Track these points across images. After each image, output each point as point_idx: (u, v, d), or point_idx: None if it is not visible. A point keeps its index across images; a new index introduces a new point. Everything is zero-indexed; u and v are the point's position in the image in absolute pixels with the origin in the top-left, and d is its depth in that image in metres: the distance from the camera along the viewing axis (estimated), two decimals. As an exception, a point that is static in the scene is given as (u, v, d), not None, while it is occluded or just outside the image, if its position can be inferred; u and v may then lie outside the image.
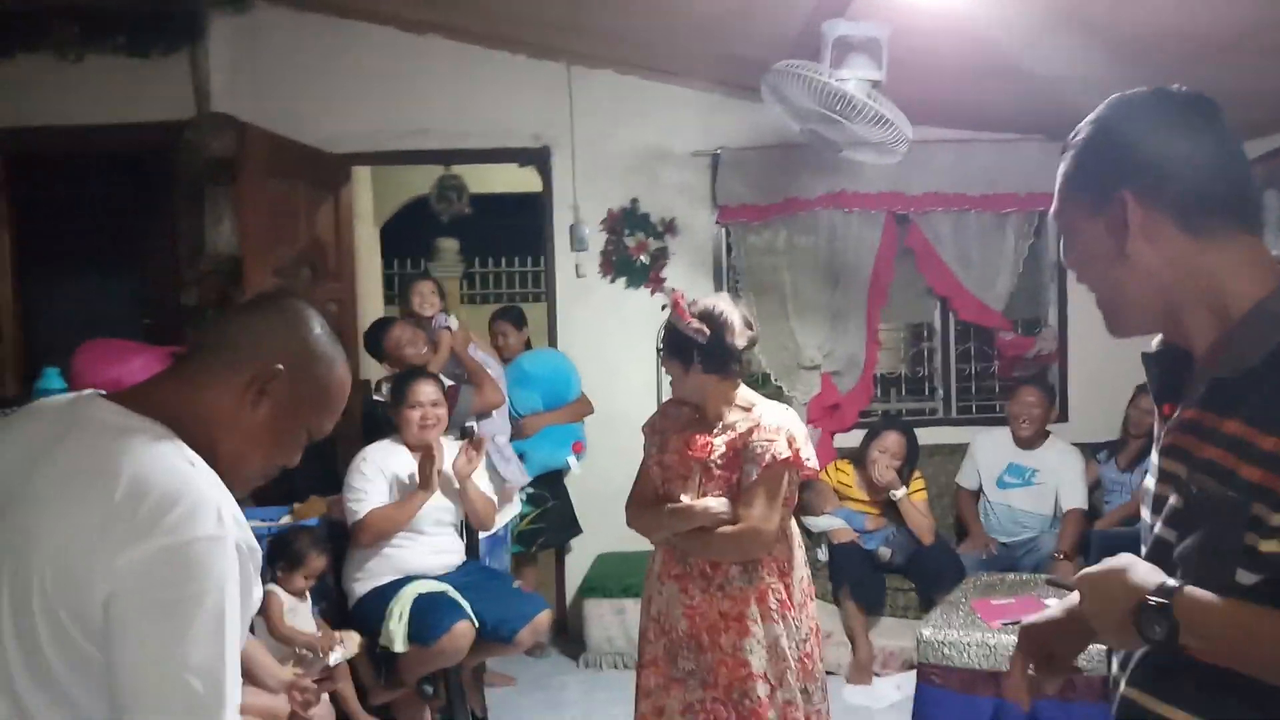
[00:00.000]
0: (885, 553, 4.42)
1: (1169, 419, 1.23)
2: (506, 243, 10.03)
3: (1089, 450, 4.73)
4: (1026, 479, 4.59)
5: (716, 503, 2.49)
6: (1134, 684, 1.23)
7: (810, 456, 2.54)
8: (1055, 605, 1.41)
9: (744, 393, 2.62)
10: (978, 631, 3.26)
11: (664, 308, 2.81)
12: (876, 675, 4.34)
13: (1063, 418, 5.09)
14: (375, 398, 4.15)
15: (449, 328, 4.32)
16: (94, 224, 5.54)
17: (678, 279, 5.04)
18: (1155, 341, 1.30)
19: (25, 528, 1.16)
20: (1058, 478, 4.54)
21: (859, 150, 3.54)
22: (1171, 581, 1.09)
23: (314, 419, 1.40)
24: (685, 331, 2.54)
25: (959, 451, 4.92)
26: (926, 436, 4.87)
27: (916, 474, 4.61)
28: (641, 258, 5.03)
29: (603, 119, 4.97)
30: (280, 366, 1.32)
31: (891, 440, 4.53)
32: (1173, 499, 1.16)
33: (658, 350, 2.84)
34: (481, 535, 3.94)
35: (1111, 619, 1.13)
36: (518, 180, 5.84)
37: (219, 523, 1.17)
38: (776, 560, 2.53)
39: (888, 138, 3.49)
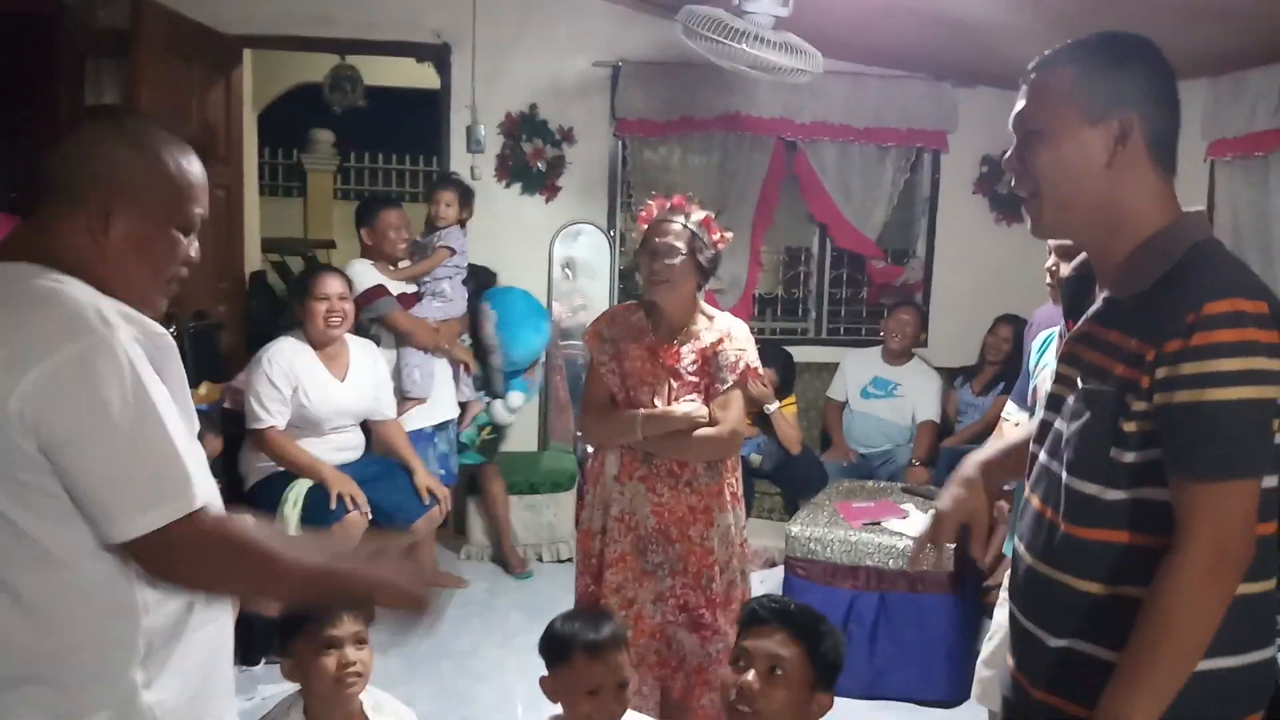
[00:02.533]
0: (756, 459, 4.72)
1: (1069, 333, 1.48)
2: (386, 139, 9.82)
3: (947, 376, 5.12)
4: (889, 391, 4.96)
5: (696, 408, 2.64)
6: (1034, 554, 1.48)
7: (761, 367, 2.76)
8: (952, 488, 1.70)
9: (703, 303, 2.77)
10: (840, 530, 3.59)
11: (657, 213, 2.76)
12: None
13: (924, 343, 5.47)
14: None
15: (449, 247, 4.25)
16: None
17: (573, 189, 5.15)
18: (1068, 269, 1.54)
19: None
20: (915, 393, 4.93)
21: (765, 70, 3.69)
22: None
23: (177, 216, 1.38)
24: (713, 247, 2.68)
25: (827, 369, 5.25)
26: (799, 355, 5.16)
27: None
28: (538, 165, 5.09)
29: (506, 21, 4.96)
30: (112, 186, 1.32)
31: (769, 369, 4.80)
32: (1069, 398, 1.42)
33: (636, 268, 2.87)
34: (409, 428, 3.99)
35: None
36: (411, 75, 5.76)
37: (103, 323, 1.24)
38: (730, 457, 2.73)
39: (796, 66, 3.64)
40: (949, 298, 5.51)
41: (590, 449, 2.99)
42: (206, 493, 1.30)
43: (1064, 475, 1.41)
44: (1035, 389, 2.54)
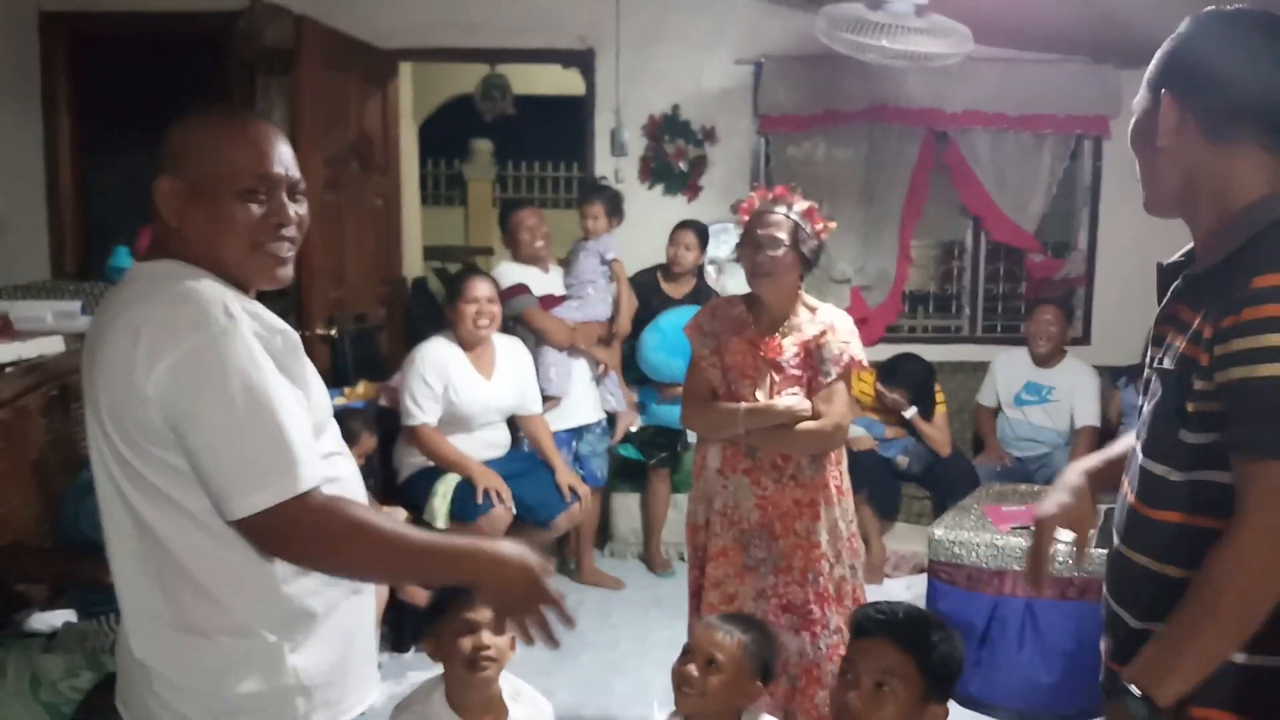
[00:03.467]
0: (903, 461, 4.59)
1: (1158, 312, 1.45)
2: (541, 146, 10.05)
3: (1110, 375, 4.84)
4: (1043, 396, 4.72)
5: (799, 401, 2.61)
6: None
7: (865, 360, 2.72)
8: (1055, 494, 1.61)
9: (804, 295, 2.75)
10: (986, 533, 3.44)
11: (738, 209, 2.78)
12: (888, 576, 4.55)
13: (1086, 341, 5.20)
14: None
15: (617, 259, 4.35)
16: (149, 109, 5.63)
17: (716, 188, 5.14)
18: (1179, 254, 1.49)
19: (91, 370, 1.39)
20: (1073, 395, 4.67)
21: (912, 60, 3.60)
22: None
23: (232, 180, 1.40)
24: (817, 237, 2.66)
25: (981, 369, 5.04)
26: (951, 354, 5.00)
27: (937, 388, 4.75)
28: (680, 165, 5.11)
29: (648, 23, 5.01)
30: (163, 175, 1.41)
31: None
32: (1152, 379, 1.40)
33: (735, 259, 2.88)
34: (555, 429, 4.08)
35: None
36: (559, 83, 5.89)
37: (227, 316, 1.32)
38: (835, 450, 2.69)
39: (940, 50, 3.53)
40: (1113, 292, 5.21)
41: (694, 443, 2.97)
42: (319, 476, 1.36)
43: (1140, 456, 1.40)
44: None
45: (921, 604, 3.58)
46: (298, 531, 1.33)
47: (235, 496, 1.31)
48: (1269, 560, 1.23)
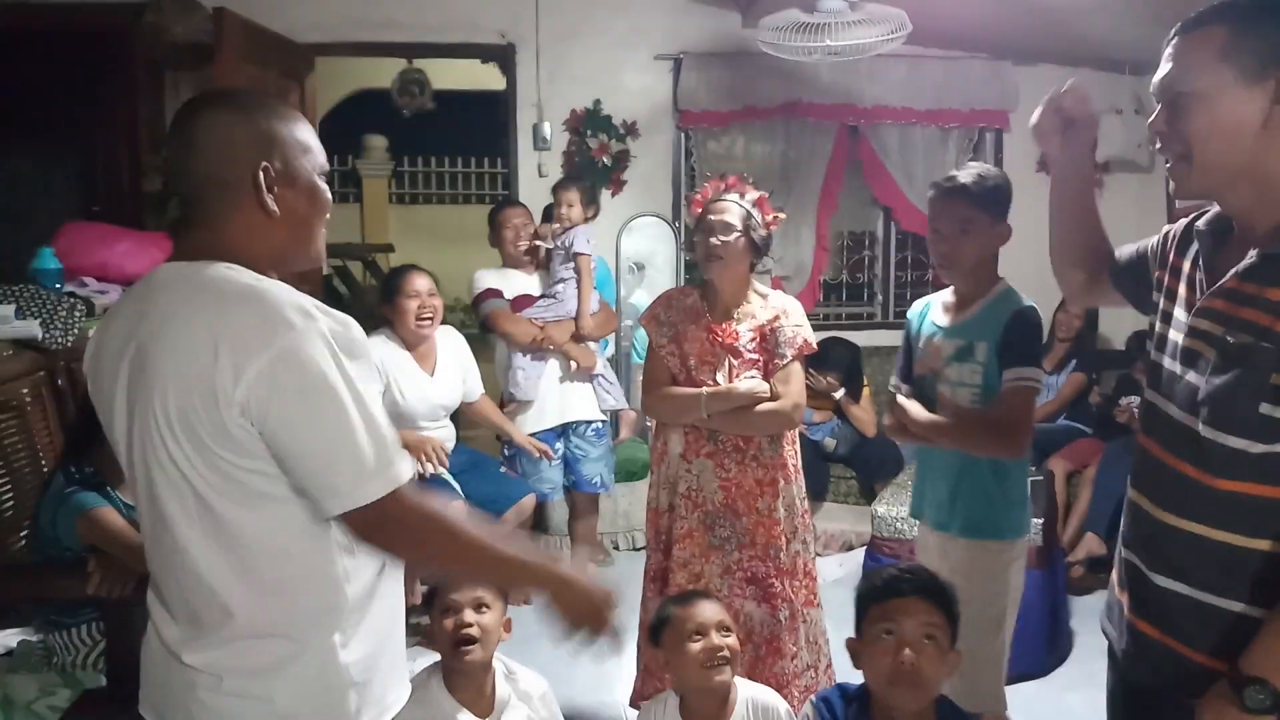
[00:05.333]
0: (830, 443, 4.75)
1: (1205, 288, 1.47)
2: (448, 142, 9.92)
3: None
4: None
5: (758, 384, 2.71)
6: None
7: (815, 343, 2.83)
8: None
9: (755, 282, 2.86)
10: (926, 509, 3.61)
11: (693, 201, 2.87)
12: (819, 555, 4.69)
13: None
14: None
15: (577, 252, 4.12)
16: (39, 104, 5.37)
17: (638, 182, 5.21)
18: (1202, 221, 1.54)
19: (140, 375, 1.35)
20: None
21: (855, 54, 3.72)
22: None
23: (310, 170, 1.43)
24: (765, 227, 2.75)
25: (894, 353, 5.21)
26: (865, 339, 5.18)
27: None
28: (604, 159, 5.16)
29: (568, 19, 5.03)
30: (265, 164, 1.37)
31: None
32: (1206, 352, 1.42)
33: (688, 251, 2.96)
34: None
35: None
36: (477, 77, 5.86)
37: (302, 316, 1.31)
38: (790, 430, 2.80)
39: (883, 38, 3.65)
40: (1016, 277, 5.44)
41: (652, 431, 3.04)
42: (412, 468, 1.39)
43: (1201, 429, 1.41)
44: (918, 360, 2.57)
45: (850, 581, 3.73)
46: (396, 523, 1.36)
47: (344, 492, 1.32)
48: None
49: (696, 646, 2.12)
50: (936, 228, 2.46)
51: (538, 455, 3.89)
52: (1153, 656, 1.51)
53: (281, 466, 1.33)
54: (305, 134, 1.44)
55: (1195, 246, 1.53)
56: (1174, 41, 1.44)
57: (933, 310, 2.57)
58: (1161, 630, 1.48)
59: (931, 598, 1.88)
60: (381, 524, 1.35)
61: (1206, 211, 1.56)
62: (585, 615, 1.50)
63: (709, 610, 2.17)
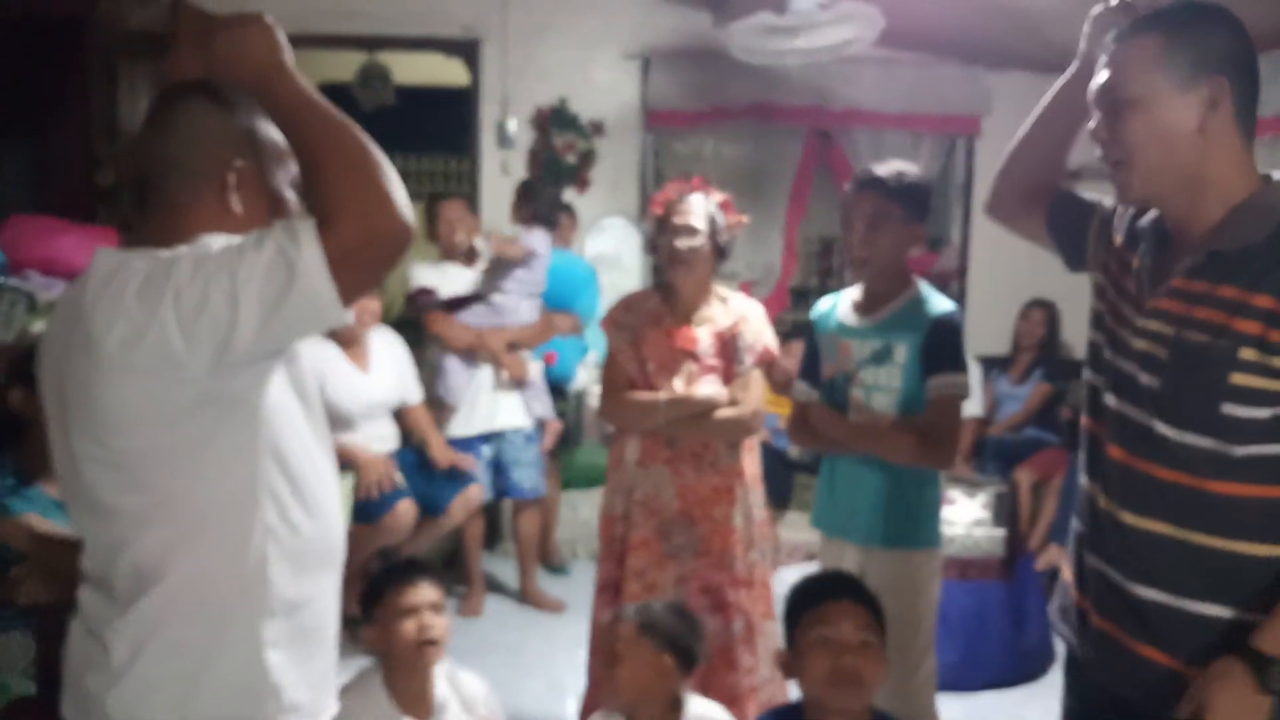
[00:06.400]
0: (794, 451, 4.68)
1: (1154, 288, 1.47)
2: (416, 138, 9.80)
3: (984, 366, 5.06)
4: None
5: (718, 390, 2.65)
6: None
7: (776, 349, 2.77)
8: None
9: (716, 286, 2.78)
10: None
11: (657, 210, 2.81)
12: (783, 565, 4.63)
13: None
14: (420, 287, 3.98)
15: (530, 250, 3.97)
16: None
17: (605, 182, 5.13)
18: (1145, 220, 1.55)
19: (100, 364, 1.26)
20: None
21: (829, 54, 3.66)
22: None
23: (280, 179, 1.40)
24: (728, 230, 2.67)
25: (863, 360, 5.20)
26: (834, 345, 5.11)
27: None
28: (569, 158, 5.07)
29: (535, 14, 4.96)
30: (238, 162, 1.34)
31: (798, 348, 4.74)
32: (1160, 352, 1.42)
33: (650, 247, 2.88)
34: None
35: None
36: (440, 73, 5.76)
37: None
38: (749, 438, 2.73)
39: (856, 36, 3.59)
40: (986, 284, 5.46)
41: (610, 436, 2.98)
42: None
43: (1162, 428, 1.42)
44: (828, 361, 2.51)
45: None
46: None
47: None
48: None
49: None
50: (849, 222, 2.40)
51: (446, 466, 3.78)
52: (1126, 666, 1.49)
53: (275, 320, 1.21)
54: (274, 140, 1.39)
55: (1141, 239, 1.54)
56: (1111, 49, 1.47)
57: (840, 309, 2.50)
58: (1140, 639, 1.47)
59: (863, 602, 1.86)
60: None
61: (1148, 209, 1.57)
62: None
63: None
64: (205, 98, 1.36)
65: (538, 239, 4.00)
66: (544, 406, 4.22)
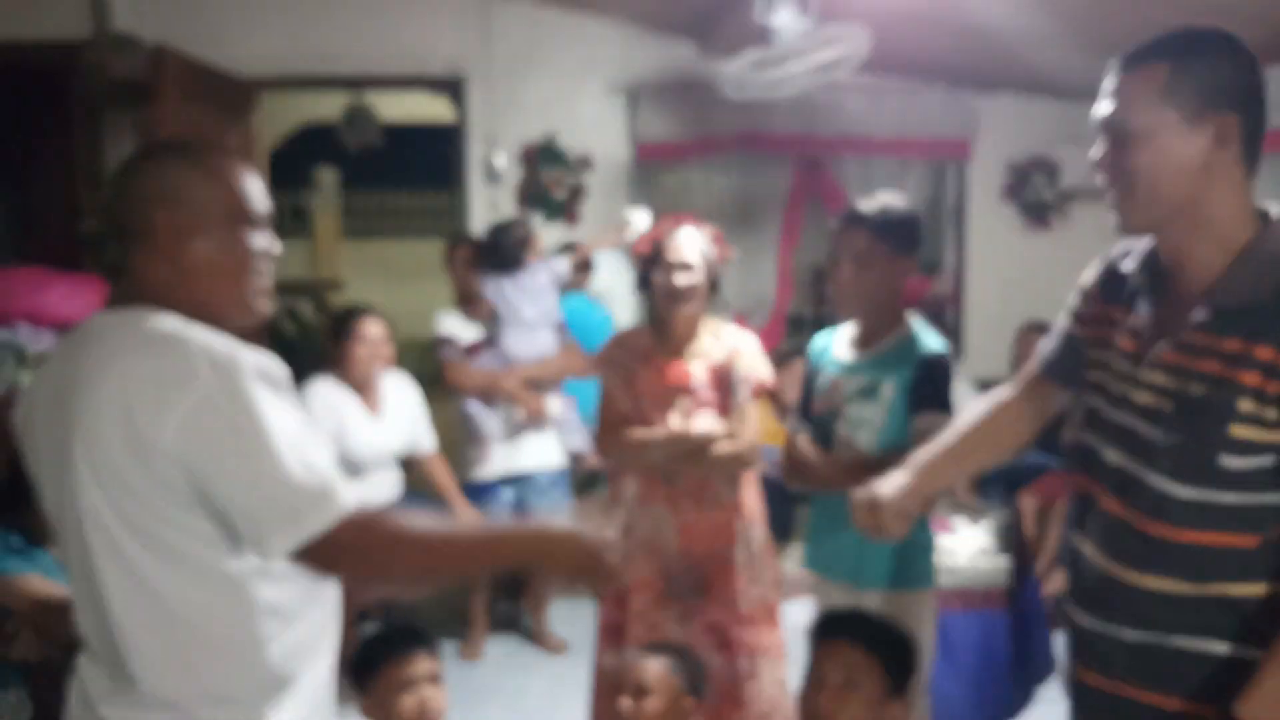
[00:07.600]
0: (795, 483, 4.63)
1: (1152, 339, 1.45)
2: (403, 175, 9.81)
3: (983, 389, 5.03)
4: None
5: (714, 425, 2.62)
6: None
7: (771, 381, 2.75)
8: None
9: (707, 319, 2.77)
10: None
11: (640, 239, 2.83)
12: (787, 599, 4.57)
13: (958, 355, 5.39)
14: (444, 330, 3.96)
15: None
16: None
17: (595, 214, 5.10)
18: (1131, 263, 1.52)
19: (68, 429, 1.31)
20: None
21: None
22: None
23: (239, 219, 1.40)
24: (720, 266, 2.68)
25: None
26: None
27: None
28: (558, 193, 5.05)
29: (519, 50, 4.94)
30: (183, 216, 1.35)
31: (799, 365, 4.70)
32: (1165, 405, 1.39)
33: (642, 284, 2.86)
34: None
35: None
36: (427, 111, 5.75)
37: (226, 356, 1.29)
38: (748, 471, 2.71)
39: (848, 50, 3.56)
40: (983, 307, 5.44)
41: (607, 474, 2.97)
42: (354, 497, 1.36)
43: (1159, 480, 1.40)
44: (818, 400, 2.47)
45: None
46: (355, 550, 1.33)
47: (282, 531, 1.28)
48: None
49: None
50: (836, 260, 2.37)
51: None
52: (1113, 709, 1.49)
53: (222, 518, 1.29)
54: (232, 181, 1.41)
55: (1131, 291, 1.51)
56: (1116, 76, 1.43)
57: (835, 346, 2.47)
58: (1136, 684, 1.46)
59: (860, 640, 1.82)
60: (340, 555, 1.31)
61: (1127, 254, 1.54)
62: (582, 565, 1.46)
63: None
64: (166, 158, 1.40)
65: (541, 270, 4.00)
66: (581, 439, 4.11)
